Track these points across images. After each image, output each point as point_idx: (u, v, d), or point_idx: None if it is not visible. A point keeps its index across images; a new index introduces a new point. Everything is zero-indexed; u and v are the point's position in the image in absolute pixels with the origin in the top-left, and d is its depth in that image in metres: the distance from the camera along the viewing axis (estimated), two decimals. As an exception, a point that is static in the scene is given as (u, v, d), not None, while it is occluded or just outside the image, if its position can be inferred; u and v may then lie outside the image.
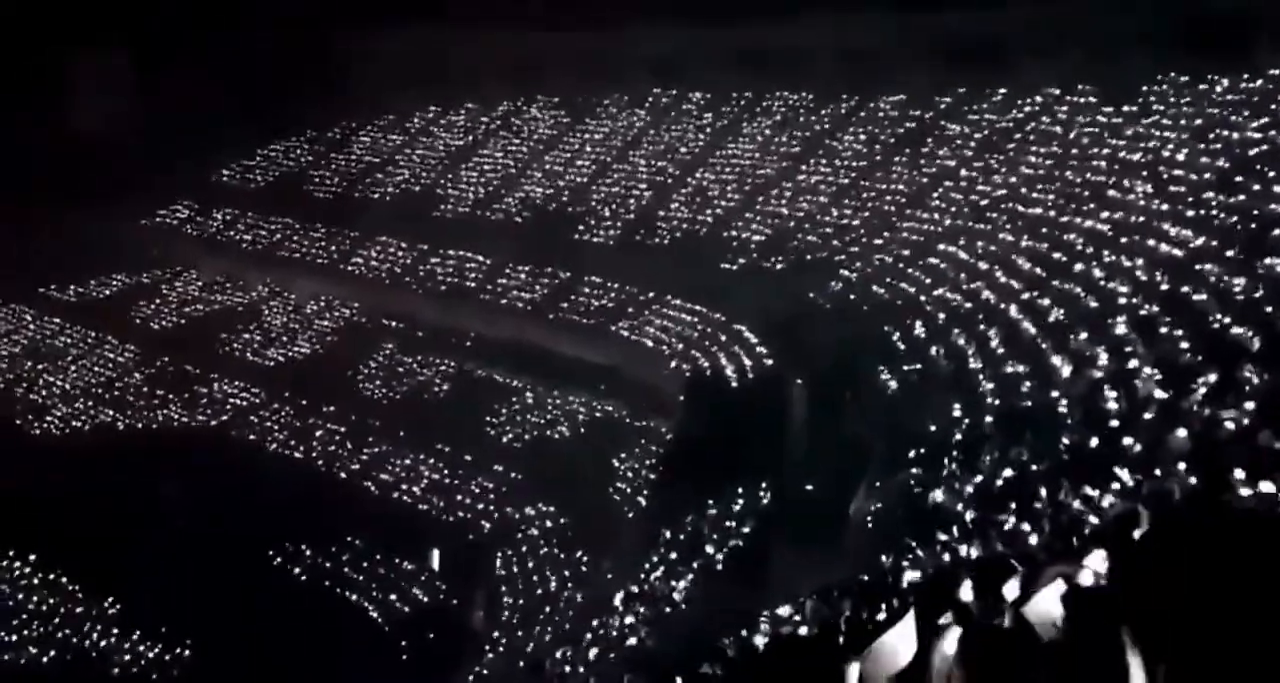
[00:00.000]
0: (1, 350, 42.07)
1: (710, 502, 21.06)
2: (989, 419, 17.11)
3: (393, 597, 25.10)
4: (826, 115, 38.61)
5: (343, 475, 30.95)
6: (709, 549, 19.34)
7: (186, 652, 22.86)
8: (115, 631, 23.73)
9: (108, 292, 46.01)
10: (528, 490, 27.92)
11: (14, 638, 23.61)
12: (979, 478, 14.11)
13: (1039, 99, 33.06)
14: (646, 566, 20.08)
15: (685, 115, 42.58)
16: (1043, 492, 11.28)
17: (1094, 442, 12.47)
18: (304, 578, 25.87)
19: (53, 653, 23.21)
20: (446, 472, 29.90)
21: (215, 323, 42.04)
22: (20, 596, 25.15)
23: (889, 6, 37.15)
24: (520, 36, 46.40)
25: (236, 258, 46.16)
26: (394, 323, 39.07)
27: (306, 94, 49.99)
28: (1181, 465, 9.15)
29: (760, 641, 10.42)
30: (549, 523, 26.35)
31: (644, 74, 44.33)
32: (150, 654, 23.03)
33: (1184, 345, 14.53)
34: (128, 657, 23.03)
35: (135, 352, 40.45)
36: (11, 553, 26.53)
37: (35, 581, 25.62)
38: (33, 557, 26.31)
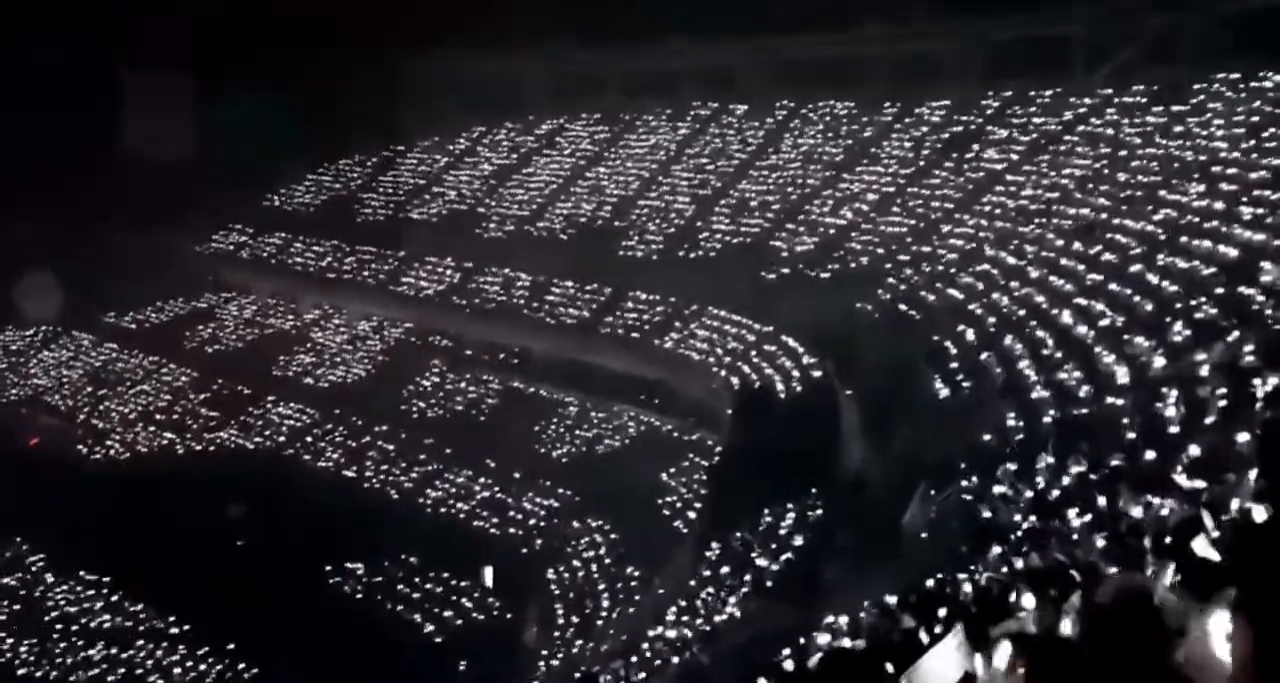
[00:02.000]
0: (64, 377, 42.97)
1: (761, 515, 20.86)
2: (1044, 427, 16.76)
3: (446, 613, 25.17)
4: (871, 123, 38.41)
5: (395, 494, 31.18)
6: (760, 563, 19.15)
7: (245, 668, 23.15)
8: (179, 648, 24.09)
9: (165, 316, 46.89)
10: (578, 506, 27.92)
11: (81, 658, 24.03)
12: (1035, 487, 13.80)
13: (1088, 100, 32.64)
14: (697, 580, 19.93)
15: (728, 127, 42.62)
16: (1101, 500, 10.98)
17: (1153, 447, 12.13)
18: (358, 595, 26.07)
19: (121, 672, 23.61)
20: (497, 488, 30.01)
21: (269, 345, 42.67)
22: (86, 617, 25.59)
23: (934, 11, 37.04)
24: (563, 54, 46.80)
25: (289, 280, 46.87)
26: (443, 341, 39.39)
27: (355, 118, 50.67)
28: (1244, 470, 8.86)
29: (813, 656, 10.27)
30: (599, 538, 26.31)
31: (685, 87, 44.50)
32: (212, 671, 23.33)
33: (1244, 347, 14.12)
34: (190, 674, 23.34)
35: (193, 375, 41.18)
36: (78, 574, 27.07)
37: (100, 603, 26.07)
38: (97, 578, 26.84)
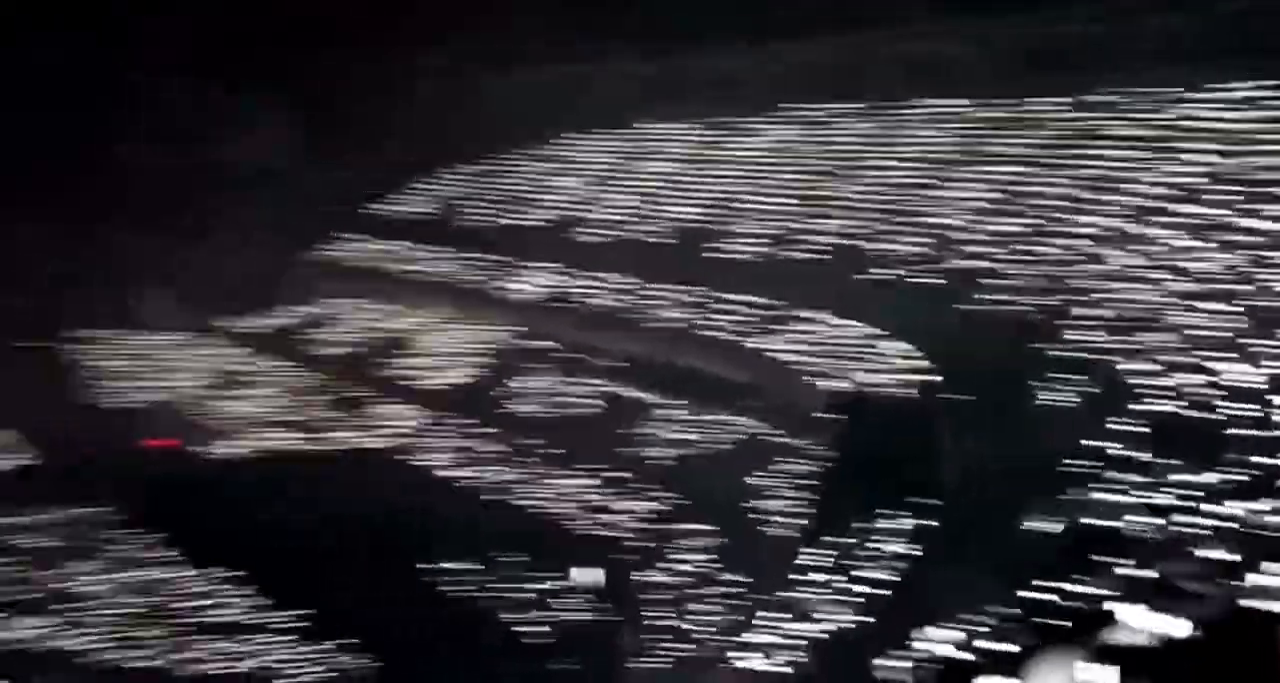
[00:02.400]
0: (185, 381, 45.06)
1: (861, 522, 20.65)
2: (1155, 434, 16.23)
3: (544, 615, 25.56)
4: (979, 121, 37.52)
5: (499, 496, 31.82)
6: (860, 572, 18.97)
7: (353, 661, 23.94)
8: (297, 640, 25.01)
9: (279, 322, 48.94)
10: (676, 510, 28.05)
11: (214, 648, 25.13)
12: (1145, 497, 13.40)
13: (1206, 95, 31.29)
14: (795, 588, 19.84)
15: (829, 127, 42.16)
16: (1214, 509, 10.63)
17: (1269, 454, 11.66)
18: (462, 596, 26.64)
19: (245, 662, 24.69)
20: (597, 491, 30.38)
21: (378, 350, 44.11)
22: (217, 608, 26.70)
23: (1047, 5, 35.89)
24: (660, 58, 46.98)
25: (396, 286, 48.36)
26: (546, 345, 40.09)
27: (456, 124, 51.92)
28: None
29: (914, 665, 10.18)
30: (697, 543, 26.38)
31: (784, 87, 44.08)
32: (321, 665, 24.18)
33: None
34: (305, 665, 24.24)
35: (305, 378, 42.92)
36: (210, 569, 28.32)
37: (230, 596, 27.19)
38: (226, 573, 28.05)
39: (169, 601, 26.66)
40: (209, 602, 26.71)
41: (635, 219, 43.56)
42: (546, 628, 24.98)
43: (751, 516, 26.82)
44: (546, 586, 26.19)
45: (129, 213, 45.39)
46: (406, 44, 50.46)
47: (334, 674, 23.50)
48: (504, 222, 48.36)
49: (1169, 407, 16.63)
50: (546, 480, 31.62)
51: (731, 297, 35.85)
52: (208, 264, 47.48)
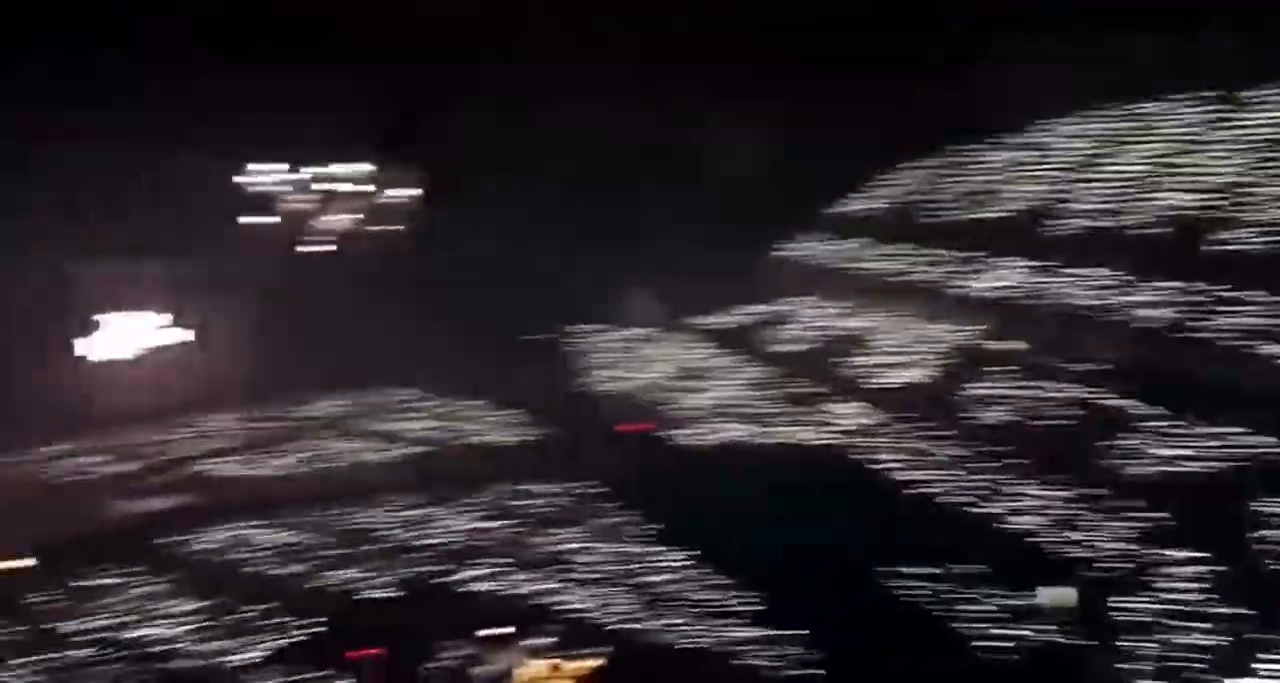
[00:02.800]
0: (657, 372, 48.65)
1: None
2: None
3: (1005, 631, 24.16)
4: None
5: (953, 500, 30.66)
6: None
7: (803, 655, 24.38)
8: (755, 630, 26.05)
9: (742, 319, 51.25)
10: (1159, 531, 25.20)
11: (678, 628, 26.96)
12: None
13: None
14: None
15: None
16: None
17: None
18: (911, 600, 26.01)
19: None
20: (1067, 505, 28.12)
21: (836, 347, 44.50)
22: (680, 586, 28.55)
23: None
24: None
25: (857, 285, 48.45)
26: (1012, 346, 37.97)
27: (921, 118, 50.68)
28: None
29: None
30: (1184, 570, 23.46)
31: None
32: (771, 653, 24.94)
33: None
34: (761, 657, 25.16)
35: (764, 374, 44.49)
36: (675, 548, 30.41)
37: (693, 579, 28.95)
38: (686, 554, 29.94)
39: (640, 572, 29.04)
40: (674, 577, 28.67)
41: (1117, 208, 39.79)
42: (1010, 645, 23.72)
43: (1255, 545, 23.44)
44: (1010, 602, 24.86)
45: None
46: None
47: (782, 661, 24.17)
48: (971, 216, 46.55)
49: None
50: (1011, 490, 29.93)
51: (1236, 294, 31.54)
52: (680, 264, 50.80)
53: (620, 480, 34.83)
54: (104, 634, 25.76)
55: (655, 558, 29.93)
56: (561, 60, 42.93)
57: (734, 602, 26.88)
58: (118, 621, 26.39)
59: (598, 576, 28.90)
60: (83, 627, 26.12)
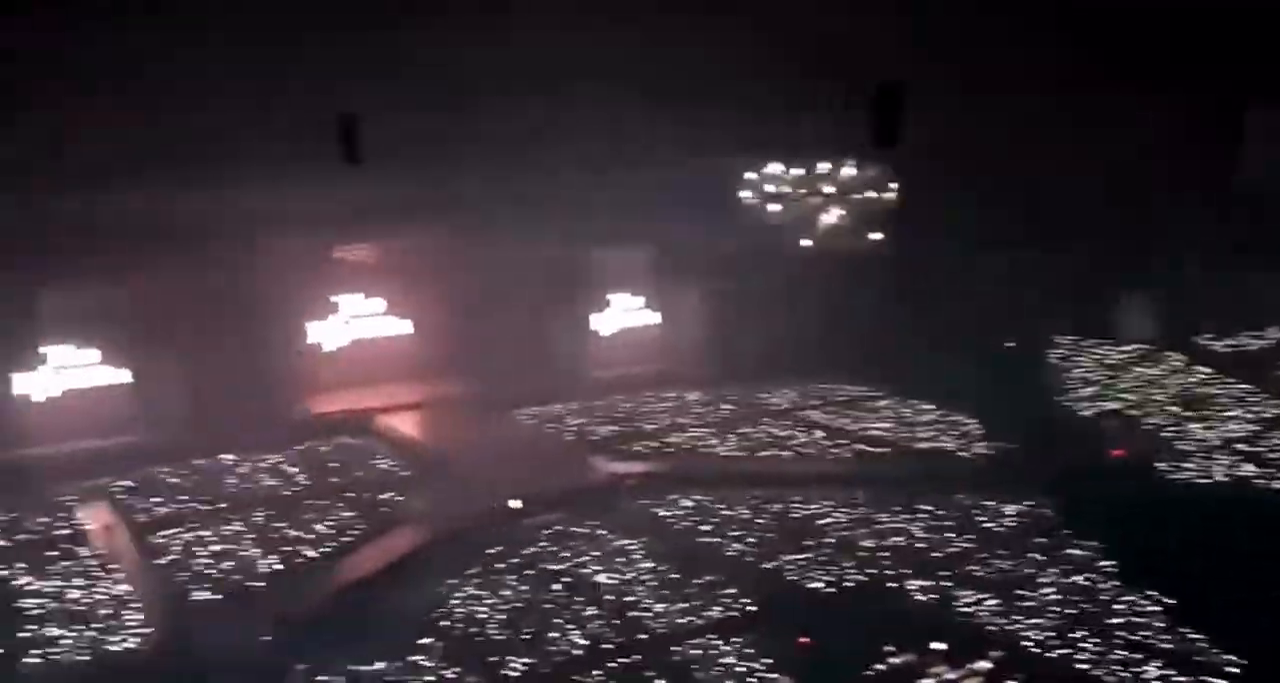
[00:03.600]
0: (1152, 394, 43.79)
1: None
2: None
3: None
4: None
5: None
6: None
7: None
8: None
9: (1261, 345, 44.46)
10: None
11: (1135, 673, 24.27)
12: None
13: None
14: None
15: None
16: None
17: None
18: None
19: None
20: None
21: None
22: (1142, 632, 25.66)
23: None
24: None
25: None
26: None
27: None
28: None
29: None
30: None
31: None
32: None
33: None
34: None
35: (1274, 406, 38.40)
36: (1143, 591, 27.38)
37: (1159, 622, 25.92)
38: (1158, 596, 26.80)
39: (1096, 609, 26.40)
40: (1138, 620, 25.72)
41: None
42: None
43: None
44: None
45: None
46: None
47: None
48: None
49: None
50: None
51: None
52: (1193, 277, 45.34)
53: (1091, 508, 32.01)
54: (572, 579, 28.64)
55: (1116, 595, 27.08)
56: (1058, 58, 40.04)
57: (1210, 657, 23.60)
58: (586, 568, 29.19)
59: (1049, 605, 26.72)
60: (556, 569, 29.28)
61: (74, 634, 24.90)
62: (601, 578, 28.58)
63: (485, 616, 26.34)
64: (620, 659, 24.20)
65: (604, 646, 24.87)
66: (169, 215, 36.74)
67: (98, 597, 27.00)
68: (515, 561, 29.65)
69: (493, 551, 30.07)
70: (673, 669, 23.68)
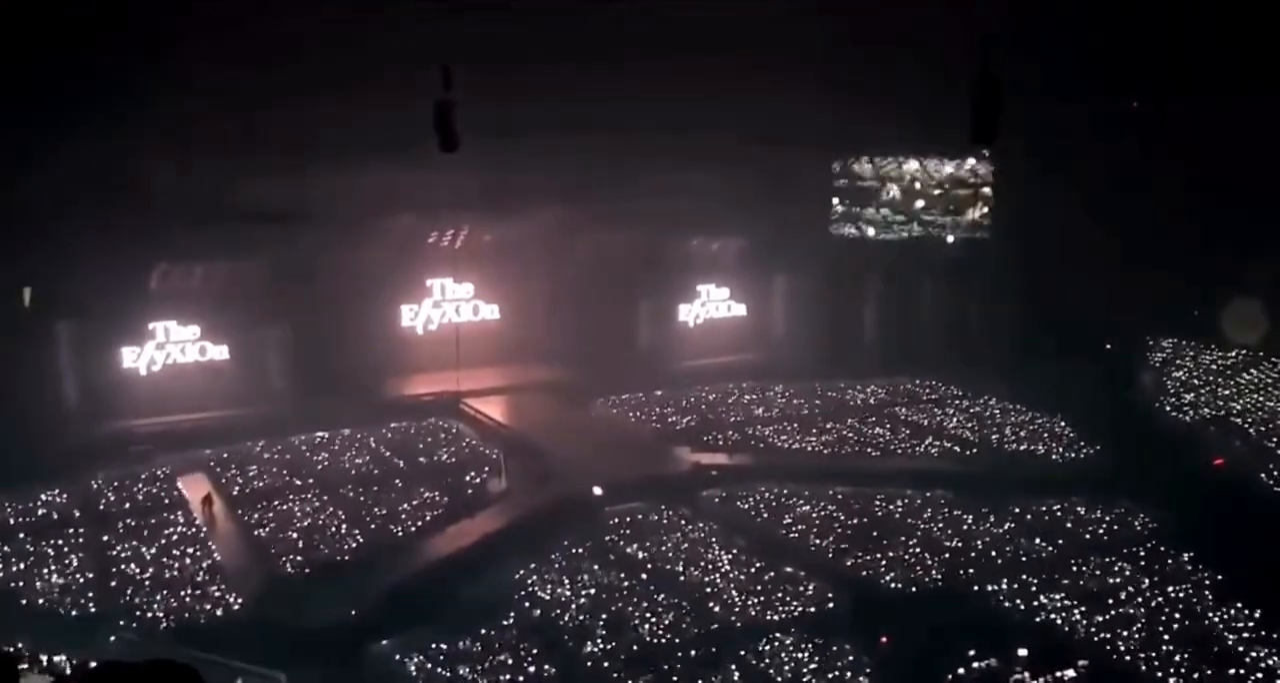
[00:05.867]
0: (1259, 401, 42.07)
1: None
2: None
3: None
4: None
5: None
6: None
7: None
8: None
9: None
10: None
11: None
12: None
13: None
14: None
15: None
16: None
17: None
18: None
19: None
20: None
21: None
22: (1243, 646, 24.82)
23: None
24: None
25: None
26: None
27: None
28: None
29: None
30: None
31: None
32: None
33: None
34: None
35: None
36: (1235, 603, 26.46)
37: (1250, 635, 25.01)
38: (1250, 609, 25.89)
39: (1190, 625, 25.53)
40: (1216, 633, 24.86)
41: None
42: None
43: None
44: None
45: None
46: None
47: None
48: None
49: None
50: None
51: None
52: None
53: (1187, 517, 31.02)
54: (651, 566, 28.74)
55: (1209, 608, 26.17)
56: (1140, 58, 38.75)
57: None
58: (665, 557, 29.24)
59: (1138, 616, 25.94)
60: (635, 556, 29.41)
61: (167, 601, 25.77)
62: (680, 567, 28.61)
63: (565, 600, 26.59)
64: (695, 650, 24.21)
65: (680, 636, 24.90)
66: (271, 197, 37.79)
67: (192, 565, 27.94)
68: (595, 547, 29.84)
69: (573, 536, 30.29)
70: (748, 663, 23.60)
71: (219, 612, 25.43)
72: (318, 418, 39.55)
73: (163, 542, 29.28)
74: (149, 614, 25.17)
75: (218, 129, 35.94)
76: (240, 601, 26.00)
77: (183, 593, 26.18)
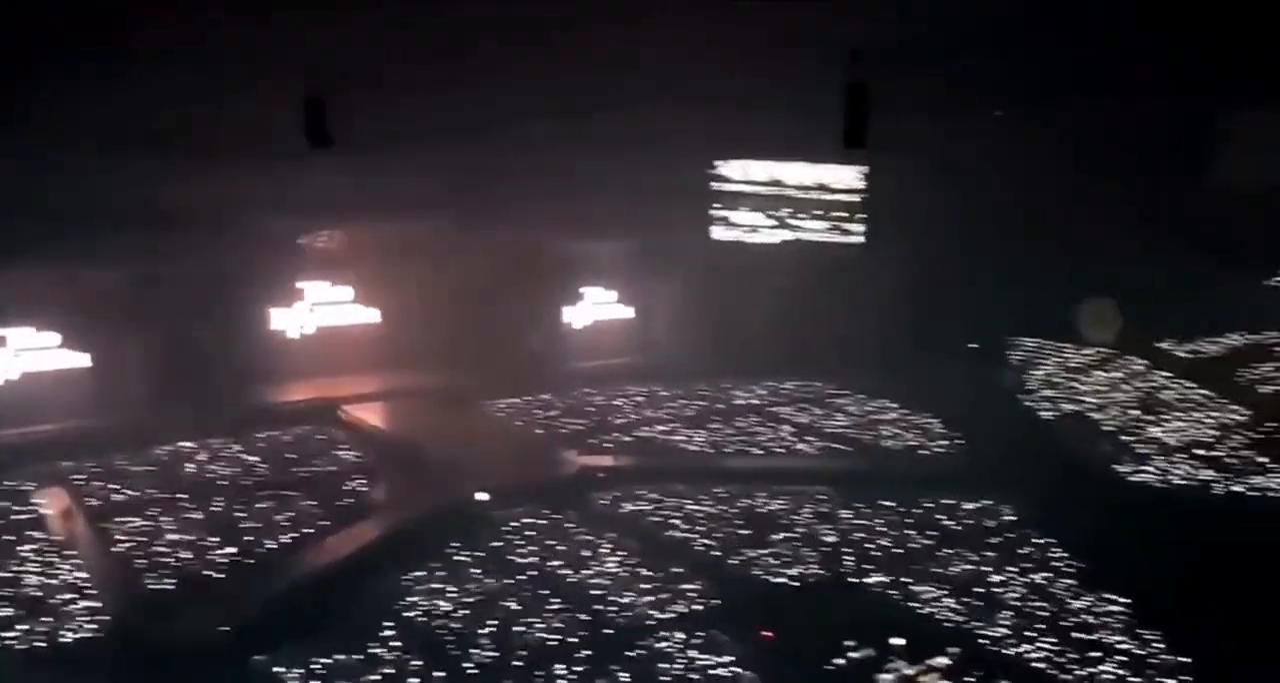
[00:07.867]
0: (1111, 398, 44.34)
1: None
2: None
3: None
4: None
5: None
6: None
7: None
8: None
9: (1219, 350, 45.08)
10: None
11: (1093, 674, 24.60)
12: None
13: None
14: None
15: None
16: None
17: None
18: None
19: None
20: None
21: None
22: (1101, 632, 26.01)
23: None
24: None
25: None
26: None
27: None
28: None
29: None
30: None
31: None
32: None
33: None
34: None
35: (1241, 414, 38.92)
36: (1100, 593, 27.73)
37: (1118, 624, 26.25)
38: (1116, 596, 27.18)
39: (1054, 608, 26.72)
40: (1093, 620, 26.10)
41: None
42: None
43: None
44: None
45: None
46: None
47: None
48: None
49: None
50: None
51: None
52: (1156, 280, 45.78)
53: (1051, 507, 32.47)
54: (537, 572, 28.57)
55: (1073, 595, 27.44)
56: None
57: (1162, 657, 23.97)
58: (552, 561, 29.13)
59: (1006, 604, 27.03)
60: (522, 562, 29.20)
61: (28, 621, 24.42)
62: (567, 571, 28.52)
63: (449, 608, 26.19)
64: (584, 653, 24.16)
65: (568, 639, 24.82)
66: (133, 200, 36.17)
67: (53, 583, 26.54)
68: (480, 553, 29.50)
69: (457, 543, 29.89)
70: (637, 663, 23.67)
71: (79, 634, 24.18)
72: (185, 428, 38.06)
73: (17, 561, 27.71)
74: (7, 637, 23.76)
75: (73, 128, 34.18)
76: (103, 621, 24.77)
77: (39, 615, 24.81)
